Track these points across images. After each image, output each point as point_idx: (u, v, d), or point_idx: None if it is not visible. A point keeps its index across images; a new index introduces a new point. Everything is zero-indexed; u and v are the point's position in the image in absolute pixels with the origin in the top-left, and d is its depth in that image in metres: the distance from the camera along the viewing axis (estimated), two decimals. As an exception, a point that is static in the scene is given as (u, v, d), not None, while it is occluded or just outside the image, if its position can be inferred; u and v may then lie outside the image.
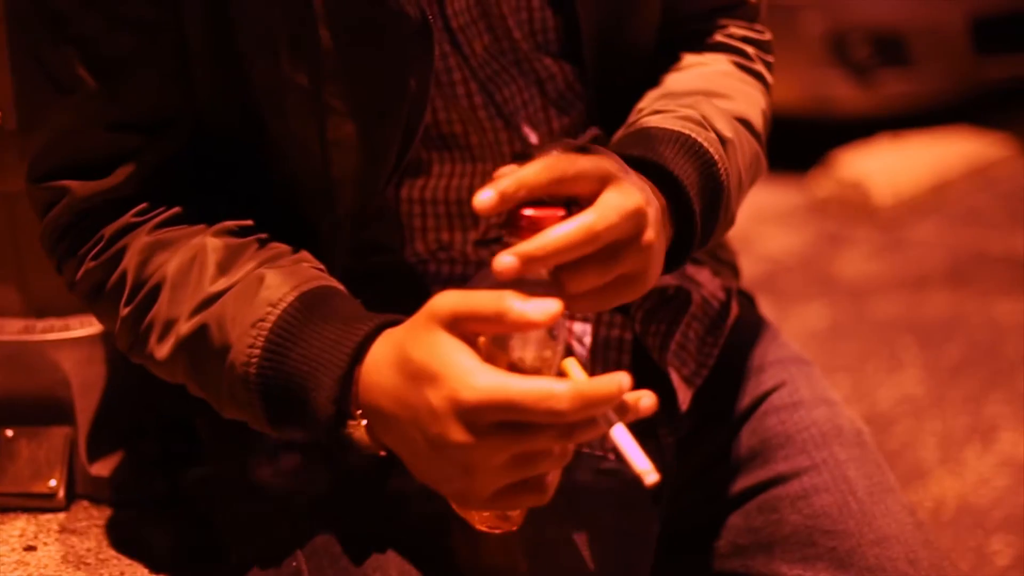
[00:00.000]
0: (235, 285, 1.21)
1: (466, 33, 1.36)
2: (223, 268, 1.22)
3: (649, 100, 1.42)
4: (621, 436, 1.01)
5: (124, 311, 1.25)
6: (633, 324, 1.43)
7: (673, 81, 1.45)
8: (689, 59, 1.49)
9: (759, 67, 1.51)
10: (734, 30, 1.52)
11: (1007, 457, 3.18)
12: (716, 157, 1.31)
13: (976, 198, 4.84)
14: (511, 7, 1.39)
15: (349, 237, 1.32)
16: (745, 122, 1.41)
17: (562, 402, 1.00)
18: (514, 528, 1.17)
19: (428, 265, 1.40)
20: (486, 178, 1.31)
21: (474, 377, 1.02)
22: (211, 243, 1.24)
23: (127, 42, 1.26)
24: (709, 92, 1.41)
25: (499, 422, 1.02)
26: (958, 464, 3.16)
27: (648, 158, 1.26)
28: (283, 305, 1.17)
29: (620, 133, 1.37)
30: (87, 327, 1.61)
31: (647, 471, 1.00)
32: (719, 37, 1.51)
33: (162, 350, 1.23)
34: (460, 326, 1.04)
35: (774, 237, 4.53)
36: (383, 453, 1.13)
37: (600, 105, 1.45)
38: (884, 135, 5.04)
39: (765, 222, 4.56)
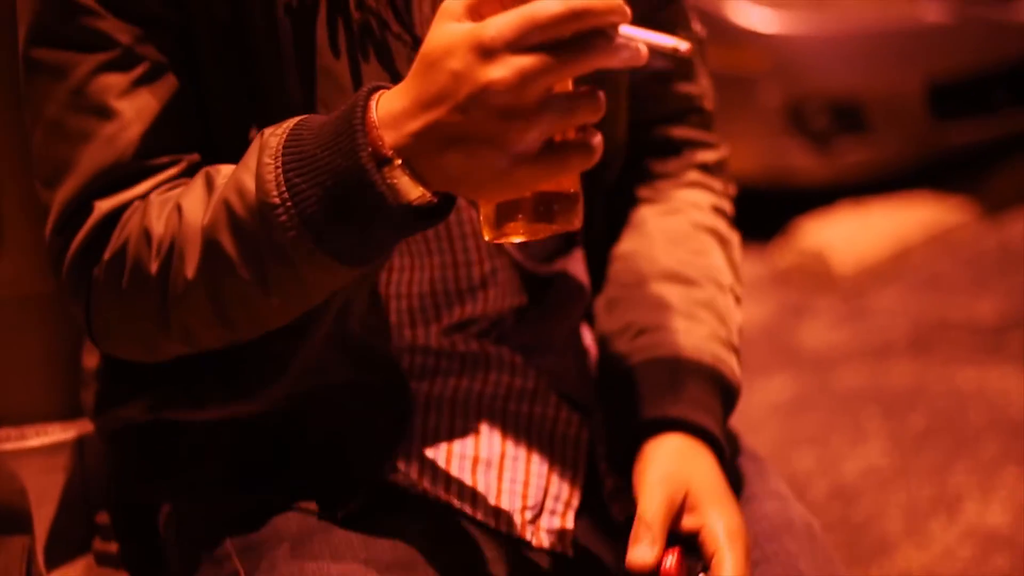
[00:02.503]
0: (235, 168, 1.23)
1: None
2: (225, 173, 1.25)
3: (659, 275, 1.51)
4: (634, 31, 1.07)
5: (154, 265, 1.25)
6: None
7: (669, 252, 1.53)
8: (669, 198, 1.58)
9: (727, 205, 1.60)
10: (701, 155, 1.60)
11: (972, 527, 3.19)
12: (739, 384, 1.46)
13: (937, 264, 4.87)
14: None
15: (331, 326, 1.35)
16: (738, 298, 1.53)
17: (571, 6, 1.03)
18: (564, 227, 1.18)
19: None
20: (447, 270, 1.38)
21: (489, 21, 1.05)
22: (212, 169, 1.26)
23: (153, 65, 1.29)
24: (715, 279, 1.51)
25: (525, 47, 1.04)
26: (924, 536, 3.17)
27: (697, 423, 1.39)
28: (282, 133, 1.18)
29: (648, 339, 1.46)
30: (43, 436, 1.61)
31: (676, 43, 1.05)
32: (692, 174, 1.60)
33: (191, 260, 1.23)
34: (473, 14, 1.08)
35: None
36: (433, 198, 1.13)
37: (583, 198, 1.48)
38: (845, 203, 5.07)
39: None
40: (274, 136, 1.18)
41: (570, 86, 1.10)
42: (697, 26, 1.60)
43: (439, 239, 1.42)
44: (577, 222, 1.16)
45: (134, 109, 1.28)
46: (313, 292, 1.23)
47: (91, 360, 1.49)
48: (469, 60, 1.05)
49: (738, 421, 1.53)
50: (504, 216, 1.15)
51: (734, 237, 1.58)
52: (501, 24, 1.04)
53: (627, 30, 1.07)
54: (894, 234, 4.95)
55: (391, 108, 1.11)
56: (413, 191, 1.11)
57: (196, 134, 1.31)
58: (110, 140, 1.27)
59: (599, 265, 1.56)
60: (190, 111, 1.31)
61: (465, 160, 1.08)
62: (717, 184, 1.60)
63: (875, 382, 4.00)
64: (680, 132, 1.59)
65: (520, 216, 1.14)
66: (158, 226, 1.24)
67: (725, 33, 4.89)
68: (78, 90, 1.28)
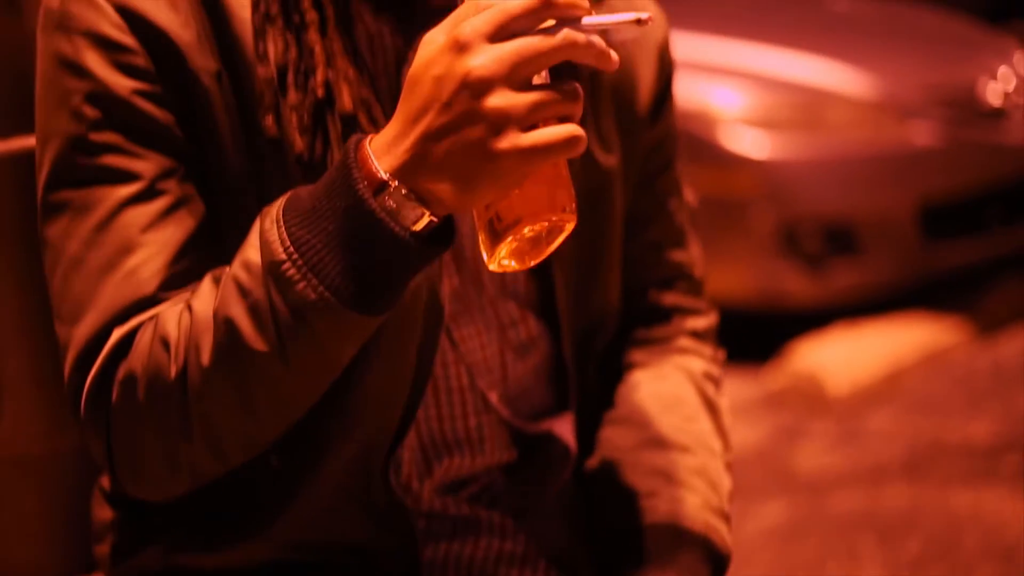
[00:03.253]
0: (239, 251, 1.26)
1: (442, 270, 1.42)
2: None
3: (652, 441, 1.55)
4: (597, 18, 1.15)
5: (173, 368, 1.26)
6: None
7: (662, 418, 1.57)
8: (660, 364, 1.62)
9: (717, 371, 1.65)
10: (690, 322, 1.65)
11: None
12: (729, 552, 1.49)
13: (932, 385, 4.88)
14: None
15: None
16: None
17: None
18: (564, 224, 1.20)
19: None
20: (432, 423, 1.45)
21: (465, 22, 1.12)
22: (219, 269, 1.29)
23: (175, 198, 1.32)
24: (707, 446, 1.56)
25: (500, 39, 1.11)
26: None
27: None
28: (280, 201, 1.22)
29: (642, 505, 1.50)
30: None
31: (635, 16, 1.15)
32: (683, 340, 1.64)
33: (205, 346, 1.24)
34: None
35: (731, 432, 4.55)
36: (433, 218, 1.16)
37: (575, 363, 1.54)
38: (839, 325, 5.10)
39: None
40: (272, 207, 1.22)
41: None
42: (690, 195, 1.65)
43: (427, 392, 1.44)
44: (570, 218, 1.18)
45: (157, 242, 1.30)
46: (331, 354, 1.24)
47: (103, 513, 1.50)
48: (448, 59, 1.12)
49: (732, 549, 1.54)
50: (497, 237, 1.17)
51: (723, 403, 1.62)
52: (476, 21, 1.12)
53: (590, 19, 1.15)
54: (888, 355, 4.97)
55: (383, 138, 1.16)
56: (413, 213, 1.15)
57: (215, 260, 1.32)
58: (132, 274, 1.29)
59: (591, 428, 1.59)
60: (209, 239, 1.33)
61: (456, 153, 1.12)
62: (707, 350, 1.64)
63: (870, 506, 4.00)
64: (671, 299, 1.63)
65: (511, 236, 1.17)
66: (173, 331, 1.26)
67: (717, 157, 4.96)
68: (101, 225, 1.30)
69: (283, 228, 1.20)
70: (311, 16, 1.34)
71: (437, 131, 1.12)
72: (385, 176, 1.15)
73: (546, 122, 1.13)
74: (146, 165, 1.31)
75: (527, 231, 1.17)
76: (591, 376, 1.57)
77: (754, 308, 5.08)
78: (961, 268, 5.44)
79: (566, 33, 1.13)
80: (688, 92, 4.86)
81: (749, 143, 4.96)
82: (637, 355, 1.62)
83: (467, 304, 1.46)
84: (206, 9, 1.34)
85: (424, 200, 1.15)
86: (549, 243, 1.19)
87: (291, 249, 1.19)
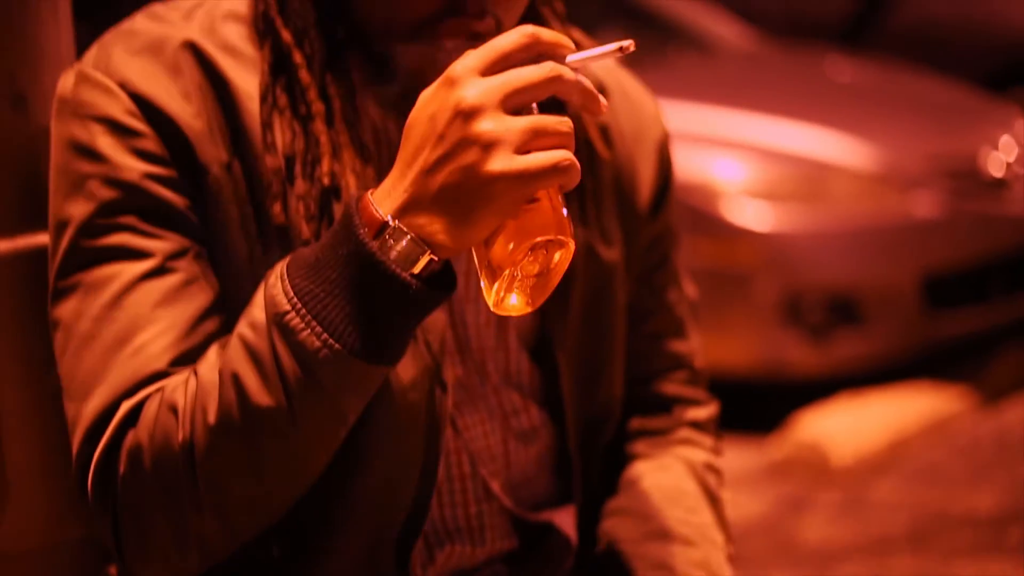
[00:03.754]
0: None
1: (444, 361, 1.44)
2: None
3: (655, 533, 1.58)
4: (580, 54, 1.21)
5: (180, 434, 1.26)
6: None
7: (665, 510, 1.59)
8: (662, 455, 1.65)
9: (718, 462, 1.68)
10: (691, 413, 1.68)
11: None
12: None
13: (936, 454, 4.88)
14: (489, 346, 1.48)
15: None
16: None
17: (526, 33, 1.17)
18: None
19: None
20: (434, 510, 1.46)
21: (457, 62, 1.17)
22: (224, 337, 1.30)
23: (187, 275, 1.34)
24: (710, 538, 1.58)
25: (491, 72, 1.16)
26: None
27: None
28: (284, 260, 1.25)
29: None
30: None
31: (618, 44, 1.19)
32: (684, 431, 1.67)
33: (211, 406, 1.25)
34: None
35: (734, 503, 4.54)
36: (433, 257, 1.18)
37: (580, 454, 1.58)
38: (844, 394, 5.10)
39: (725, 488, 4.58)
40: (277, 265, 1.25)
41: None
42: (689, 287, 1.68)
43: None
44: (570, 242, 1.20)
45: (168, 318, 1.32)
46: (338, 406, 1.24)
47: None
48: (441, 95, 1.16)
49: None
50: (493, 272, 1.19)
51: (724, 494, 1.64)
52: (466, 59, 1.16)
53: (574, 56, 1.21)
54: (892, 425, 4.97)
55: (384, 186, 1.19)
56: (414, 253, 1.17)
57: (226, 333, 1.34)
58: (142, 349, 1.31)
59: (593, 519, 1.61)
60: (219, 317, 1.35)
61: (451, 182, 1.15)
62: (708, 441, 1.66)
63: (875, 578, 4.00)
64: (672, 389, 1.66)
65: (508, 268, 1.18)
66: (180, 398, 1.27)
67: (720, 229, 4.99)
68: (113, 302, 1.32)
69: (287, 281, 1.22)
70: (317, 107, 1.37)
71: (433, 164, 1.15)
72: (385, 217, 1.18)
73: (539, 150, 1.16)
74: (158, 244, 1.34)
75: (522, 260, 1.18)
76: (595, 467, 1.60)
77: (758, 378, 5.09)
78: (964, 337, 5.45)
79: (552, 65, 1.17)
80: (691, 164, 4.91)
81: (752, 215, 4.99)
82: (639, 446, 1.64)
83: (471, 393, 1.49)
84: (217, 99, 1.38)
85: (425, 239, 1.17)
86: (549, 280, 1.20)
87: (294, 299, 1.21)
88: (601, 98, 1.20)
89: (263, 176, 1.37)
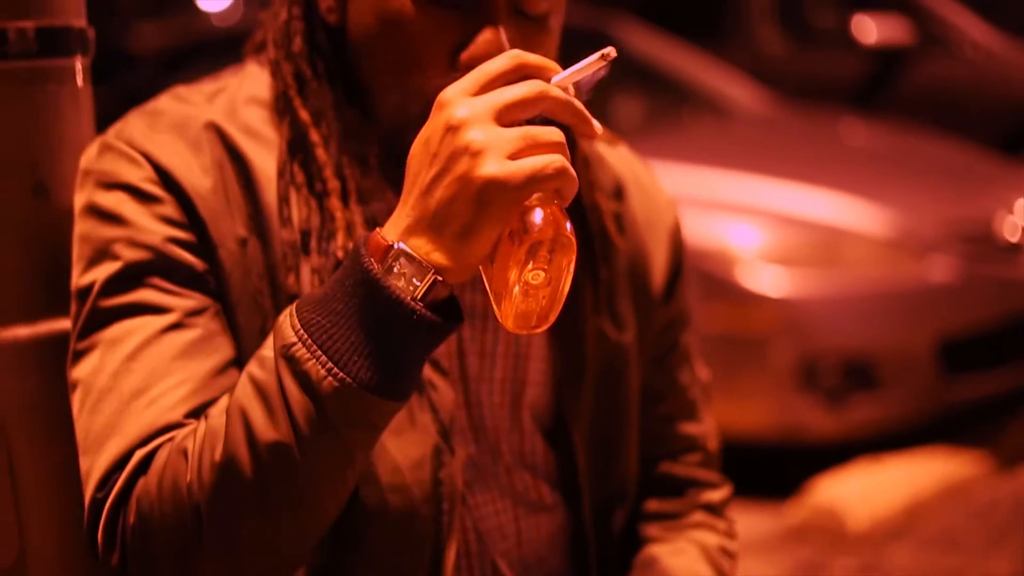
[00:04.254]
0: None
1: (453, 439, 1.46)
2: None
3: None
4: (564, 72, 1.23)
5: (190, 475, 1.26)
6: None
7: None
8: (676, 538, 1.67)
9: (731, 545, 1.70)
10: (705, 496, 1.71)
11: None
12: None
13: (952, 519, 4.86)
14: (503, 427, 1.51)
15: None
16: None
17: (512, 56, 1.20)
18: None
19: None
20: None
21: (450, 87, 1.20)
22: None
23: (205, 331, 1.37)
24: None
25: (480, 93, 1.19)
26: None
27: None
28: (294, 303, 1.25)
29: None
30: None
31: (600, 53, 1.21)
32: (698, 515, 1.70)
33: (219, 443, 1.24)
34: None
35: (750, 568, 4.55)
36: (438, 278, 1.18)
37: (596, 535, 1.60)
38: (861, 459, 5.10)
39: (740, 553, 4.57)
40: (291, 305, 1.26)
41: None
42: (702, 371, 1.71)
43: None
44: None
45: (185, 371, 1.34)
46: (345, 441, 1.23)
47: None
48: (433, 119, 1.18)
49: None
50: (501, 288, 1.19)
51: None
52: (458, 83, 1.19)
53: (559, 75, 1.23)
54: (908, 489, 4.96)
55: (391, 218, 1.21)
56: (417, 274, 1.17)
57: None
58: (157, 400, 1.32)
59: None
60: (234, 375, 1.37)
61: (448, 196, 1.16)
62: (721, 524, 1.68)
63: (892, 644, 3.99)
64: (685, 472, 1.68)
65: (514, 278, 1.18)
66: (190, 442, 1.27)
67: (736, 295, 5.00)
68: (132, 355, 1.34)
69: (295, 316, 1.22)
70: (333, 184, 1.41)
71: (430, 183, 1.17)
72: (390, 242, 1.19)
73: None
74: (178, 302, 1.37)
75: (526, 267, 1.18)
76: (611, 548, 1.61)
77: (774, 443, 5.10)
78: (980, 401, 5.45)
79: (539, 82, 1.19)
80: (706, 230, 4.94)
81: (767, 280, 5.01)
82: (653, 529, 1.66)
83: (483, 471, 1.51)
84: (237, 178, 1.42)
85: (429, 261, 1.18)
86: (558, 290, 1.20)
87: (301, 331, 1.21)
88: (594, 121, 1.22)
89: (278, 250, 1.40)
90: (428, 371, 1.44)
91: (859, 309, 5.18)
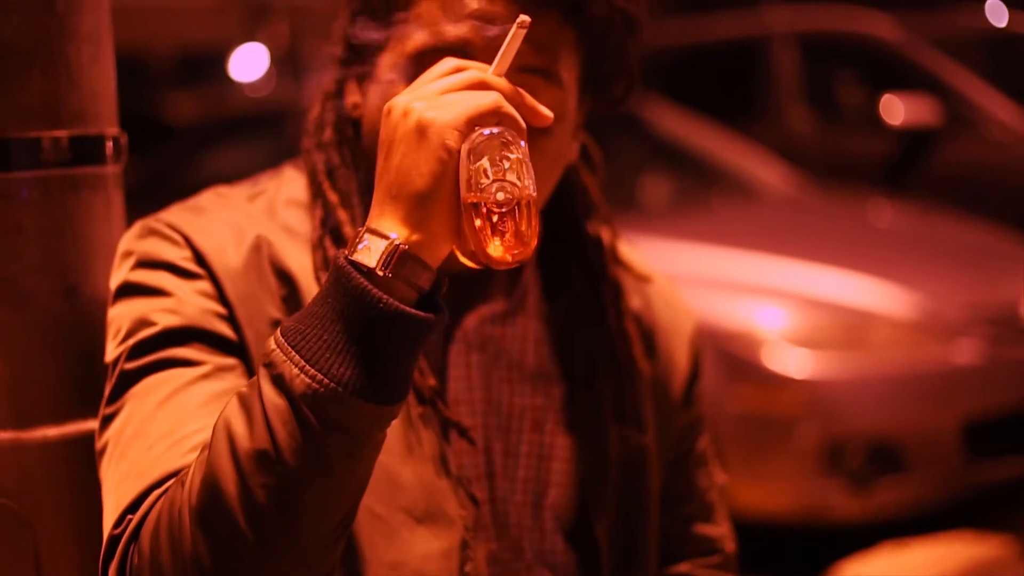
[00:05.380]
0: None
1: (475, 538, 1.49)
2: None
3: None
4: (493, 65, 1.28)
5: (182, 497, 1.26)
6: None
7: None
8: None
9: None
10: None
11: None
12: None
13: (977, 604, 4.86)
14: (526, 525, 1.54)
15: None
16: None
17: (448, 62, 1.27)
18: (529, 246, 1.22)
19: None
20: None
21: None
22: None
23: (233, 384, 1.41)
24: None
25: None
26: None
27: None
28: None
29: None
30: None
31: (515, 25, 1.26)
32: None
33: (202, 463, 1.24)
34: None
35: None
36: (401, 245, 1.19)
37: None
38: (886, 543, 5.09)
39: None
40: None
41: None
42: (719, 474, 1.74)
43: None
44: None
45: (211, 417, 1.35)
46: (324, 448, 1.20)
47: None
48: (384, 121, 1.24)
49: None
50: (473, 238, 1.20)
51: None
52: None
53: (490, 69, 1.28)
54: (933, 574, 4.95)
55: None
56: (382, 247, 1.19)
57: None
58: (180, 444, 1.36)
59: None
60: None
61: (401, 154, 1.21)
62: None
63: None
64: (703, 574, 1.70)
65: (482, 223, 1.20)
66: (190, 471, 1.27)
67: (762, 377, 5.01)
68: (161, 404, 1.38)
69: (278, 329, 1.24)
70: None
71: (385, 159, 1.22)
72: (360, 232, 1.22)
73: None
74: (209, 358, 1.42)
75: (487, 190, 1.19)
76: None
77: (798, 525, 5.08)
78: (1006, 485, 5.43)
79: (473, 71, 1.26)
80: (733, 312, 4.96)
81: (793, 362, 5.02)
82: None
83: (503, 568, 1.53)
84: (272, 269, 1.49)
85: (391, 232, 1.20)
86: (523, 213, 1.20)
87: (280, 339, 1.22)
88: (542, 108, 1.28)
89: None
90: (456, 466, 1.48)
91: (884, 391, 5.18)
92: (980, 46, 9.34)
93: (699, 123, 7.65)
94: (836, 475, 5.05)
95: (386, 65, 1.51)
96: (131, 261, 1.48)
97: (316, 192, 1.55)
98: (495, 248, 1.19)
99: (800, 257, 5.53)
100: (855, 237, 6.19)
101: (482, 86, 1.24)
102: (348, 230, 1.51)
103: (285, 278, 1.49)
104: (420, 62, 1.43)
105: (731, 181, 7.02)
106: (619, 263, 1.67)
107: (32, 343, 1.54)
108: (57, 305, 1.56)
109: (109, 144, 1.61)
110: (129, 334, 1.43)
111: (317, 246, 1.51)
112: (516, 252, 1.20)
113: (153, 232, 1.50)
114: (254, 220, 1.52)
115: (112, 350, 1.45)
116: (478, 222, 1.19)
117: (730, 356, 4.97)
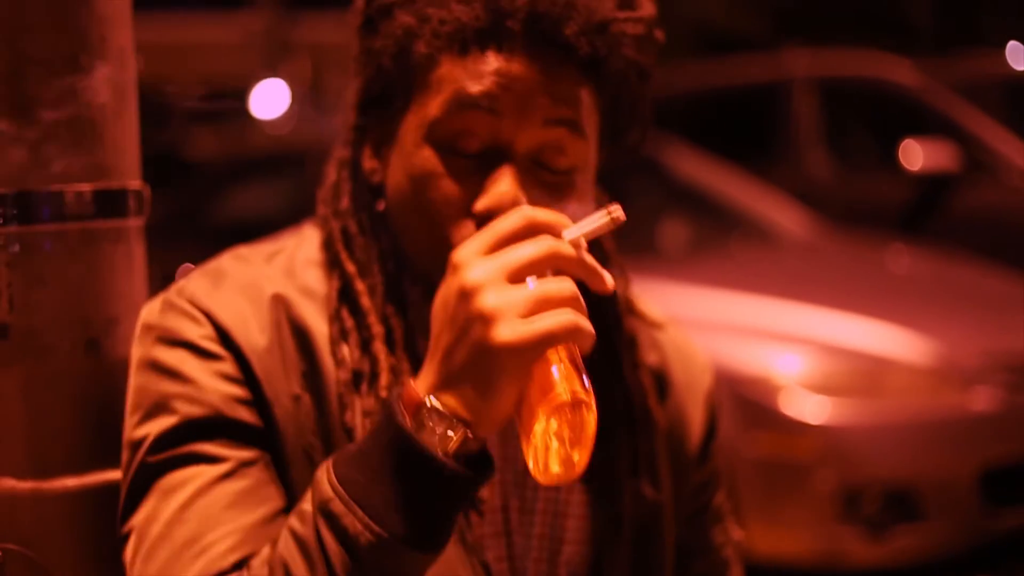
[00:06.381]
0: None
1: None
2: None
3: None
4: (574, 227, 1.28)
5: None
6: None
7: None
8: None
9: None
10: None
11: None
12: None
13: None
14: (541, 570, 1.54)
15: None
16: None
17: (523, 215, 1.26)
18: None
19: None
20: None
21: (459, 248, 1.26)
22: None
23: (256, 480, 1.41)
24: None
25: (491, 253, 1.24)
26: None
27: None
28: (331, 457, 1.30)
29: None
30: None
31: (605, 211, 1.27)
32: None
33: None
34: None
35: None
36: (468, 434, 1.22)
37: None
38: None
39: None
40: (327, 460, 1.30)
41: None
42: (735, 531, 1.74)
43: None
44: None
45: (236, 520, 1.38)
46: None
47: None
48: (448, 282, 1.24)
49: None
50: (528, 443, 1.21)
51: None
52: (468, 244, 1.25)
53: (568, 231, 1.28)
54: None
55: (420, 374, 1.26)
56: (448, 430, 1.22)
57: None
58: (208, 549, 1.36)
59: None
60: (281, 522, 1.40)
61: (469, 359, 1.21)
62: None
63: None
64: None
65: (541, 433, 1.21)
66: None
67: (779, 423, 5.02)
68: (186, 504, 1.39)
69: (331, 471, 1.28)
70: (377, 330, 1.48)
71: (450, 346, 1.23)
72: (421, 397, 1.24)
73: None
74: (232, 452, 1.42)
75: (547, 427, 1.21)
76: None
77: (815, 571, 5.07)
78: (1022, 533, 5.41)
79: (549, 239, 1.25)
80: (750, 357, 4.97)
81: (810, 408, 5.02)
82: None
83: None
84: (293, 337, 1.49)
85: (457, 417, 1.23)
86: (583, 442, 1.22)
87: (338, 487, 1.26)
88: (605, 274, 1.27)
89: (333, 393, 1.46)
90: (476, 522, 1.49)
91: (901, 438, 5.17)
92: (999, 91, 9.36)
93: (718, 167, 7.67)
94: (853, 522, 5.04)
95: (409, 129, 1.50)
96: (151, 337, 1.49)
97: (333, 261, 1.55)
98: (544, 468, 1.23)
99: (818, 303, 5.54)
100: (873, 283, 6.19)
101: (554, 256, 1.24)
102: (366, 302, 1.51)
103: (303, 341, 1.49)
104: (447, 122, 1.44)
105: (750, 225, 7.04)
106: (633, 314, 1.68)
107: (53, 395, 1.55)
108: (78, 357, 1.57)
109: (132, 197, 1.62)
110: (148, 415, 1.45)
111: (334, 318, 1.51)
112: (556, 479, 1.24)
113: (173, 307, 1.50)
114: (272, 281, 1.52)
115: (131, 428, 1.46)
116: (541, 443, 1.22)
117: (747, 402, 4.97)
